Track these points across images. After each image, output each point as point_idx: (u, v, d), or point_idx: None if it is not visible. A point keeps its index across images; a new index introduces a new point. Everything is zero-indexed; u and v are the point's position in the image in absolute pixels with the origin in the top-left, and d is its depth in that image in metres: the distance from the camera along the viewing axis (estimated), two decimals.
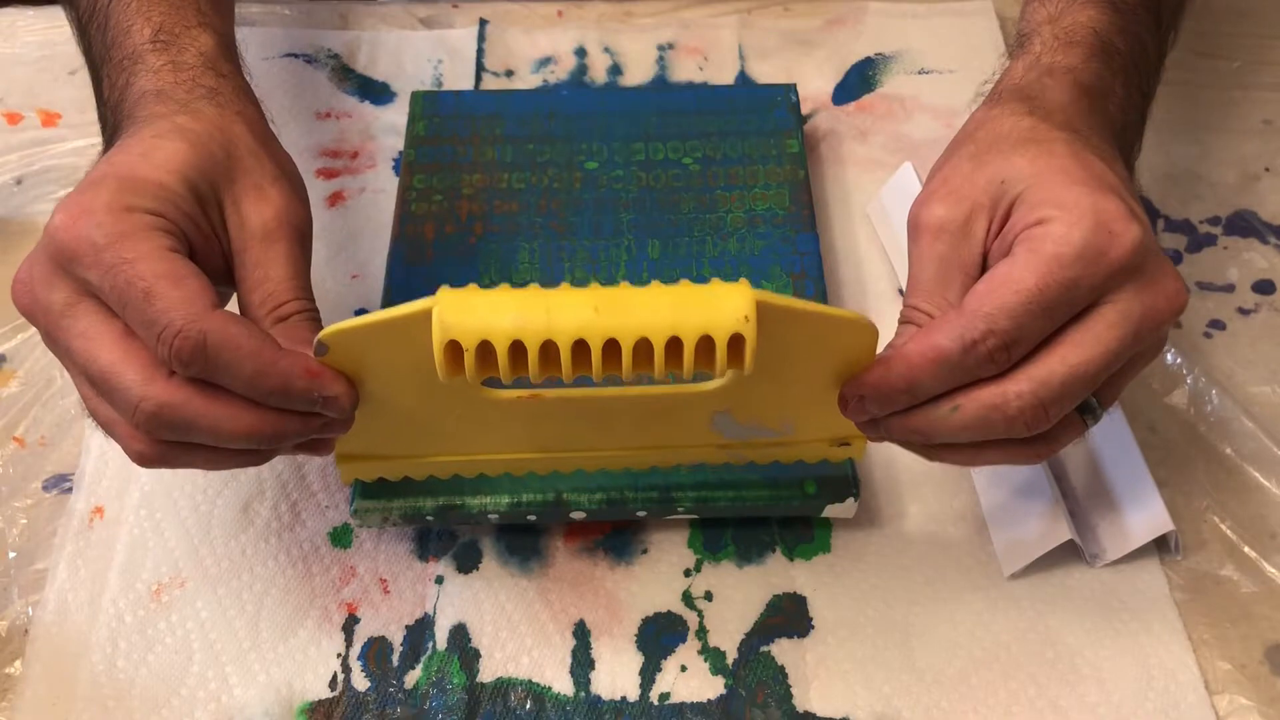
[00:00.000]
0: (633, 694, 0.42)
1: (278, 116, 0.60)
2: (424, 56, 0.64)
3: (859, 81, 0.62)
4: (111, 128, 0.41)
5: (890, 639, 0.43)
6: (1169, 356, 0.51)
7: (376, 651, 0.43)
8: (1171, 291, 0.35)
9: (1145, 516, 0.44)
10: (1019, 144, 0.37)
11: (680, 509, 0.44)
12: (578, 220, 0.52)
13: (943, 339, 0.34)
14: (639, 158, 0.54)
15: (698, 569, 0.45)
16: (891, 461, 0.48)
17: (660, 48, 0.65)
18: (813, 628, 0.44)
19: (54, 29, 0.66)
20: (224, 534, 0.46)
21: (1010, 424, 0.34)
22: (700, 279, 0.49)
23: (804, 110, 0.60)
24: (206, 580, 0.45)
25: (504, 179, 0.53)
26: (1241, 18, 0.65)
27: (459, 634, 0.44)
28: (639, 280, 0.49)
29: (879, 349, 0.35)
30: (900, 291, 0.53)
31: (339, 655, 0.43)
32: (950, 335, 0.33)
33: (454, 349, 0.32)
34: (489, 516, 0.44)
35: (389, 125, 0.61)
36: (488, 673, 0.43)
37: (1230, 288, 0.54)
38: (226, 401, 0.33)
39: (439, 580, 0.45)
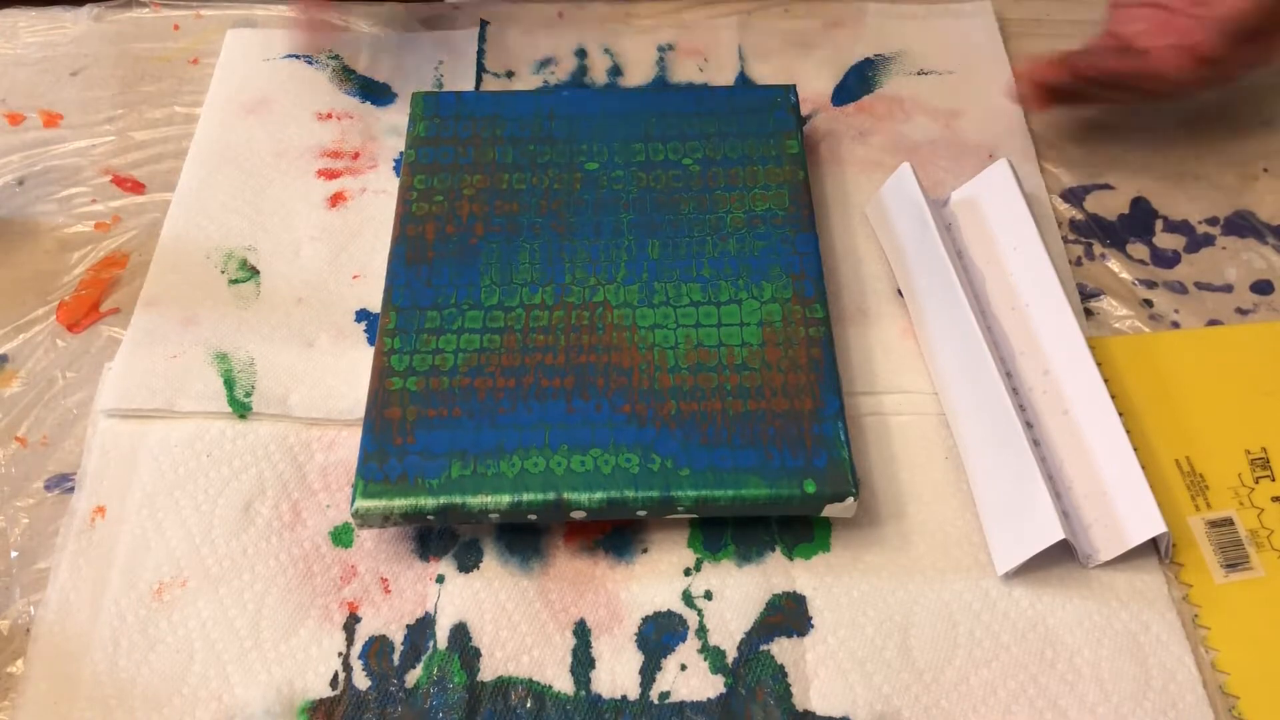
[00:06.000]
0: (633, 693, 0.42)
1: (279, 117, 0.61)
2: (425, 57, 0.64)
3: (858, 82, 0.62)
4: None
5: (890, 639, 0.43)
6: None
7: (377, 650, 0.44)
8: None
9: (1139, 518, 0.44)
10: None
11: (680, 509, 0.44)
12: (578, 221, 0.52)
13: None
14: (639, 158, 0.54)
15: (698, 568, 0.45)
16: (892, 461, 0.48)
17: (660, 49, 0.65)
18: (812, 627, 0.44)
19: (55, 30, 0.66)
20: (225, 533, 0.46)
21: None
22: (700, 279, 0.50)
23: (803, 111, 0.60)
24: (208, 579, 0.45)
25: (504, 179, 0.53)
26: None
27: (460, 633, 0.44)
28: (639, 280, 0.50)
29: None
30: (899, 292, 0.53)
31: (340, 654, 0.43)
32: None
33: None
34: (489, 516, 0.44)
35: (390, 126, 0.61)
36: (488, 671, 0.43)
37: (1229, 288, 0.54)
38: None
39: (440, 579, 0.45)
